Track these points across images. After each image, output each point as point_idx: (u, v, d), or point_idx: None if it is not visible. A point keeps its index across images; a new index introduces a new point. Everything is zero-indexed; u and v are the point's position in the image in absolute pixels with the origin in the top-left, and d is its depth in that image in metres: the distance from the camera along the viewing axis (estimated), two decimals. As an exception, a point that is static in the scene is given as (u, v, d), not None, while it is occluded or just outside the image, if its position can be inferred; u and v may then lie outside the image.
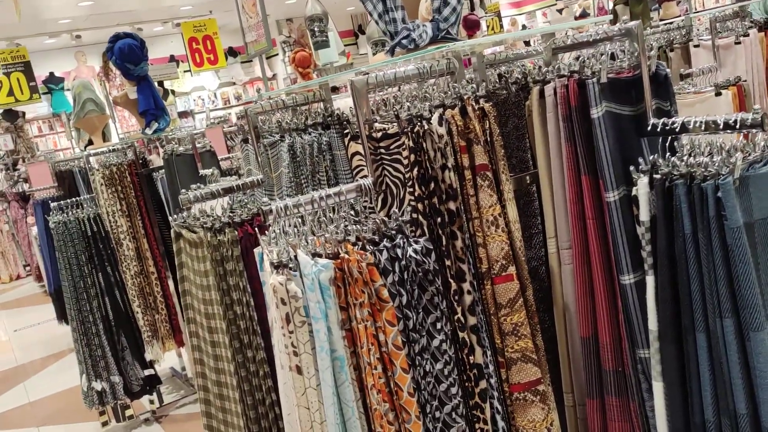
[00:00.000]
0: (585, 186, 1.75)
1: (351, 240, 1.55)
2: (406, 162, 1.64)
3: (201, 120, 10.81)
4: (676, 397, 1.61)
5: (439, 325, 1.61)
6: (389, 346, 1.52)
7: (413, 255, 1.56)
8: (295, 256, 1.48)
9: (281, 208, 1.56)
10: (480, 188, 1.70)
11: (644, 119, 1.73)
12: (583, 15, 10.17)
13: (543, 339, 1.95)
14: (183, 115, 11.35)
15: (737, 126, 1.53)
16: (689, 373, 1.59)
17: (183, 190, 2.16)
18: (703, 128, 1.60)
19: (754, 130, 1.53)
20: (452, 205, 1.66)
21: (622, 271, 1.72)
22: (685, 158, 1.56)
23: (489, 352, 1.73)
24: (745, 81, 3.03)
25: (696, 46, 3.45)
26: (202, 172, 3.67)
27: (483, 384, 1.70)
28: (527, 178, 1.93)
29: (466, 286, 1.68)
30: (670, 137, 1.70)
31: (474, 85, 1.74)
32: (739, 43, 3.24)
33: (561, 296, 1.88)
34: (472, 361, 1.68)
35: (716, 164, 1.50)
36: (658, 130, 1.68)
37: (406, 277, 1.57)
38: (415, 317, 1.59)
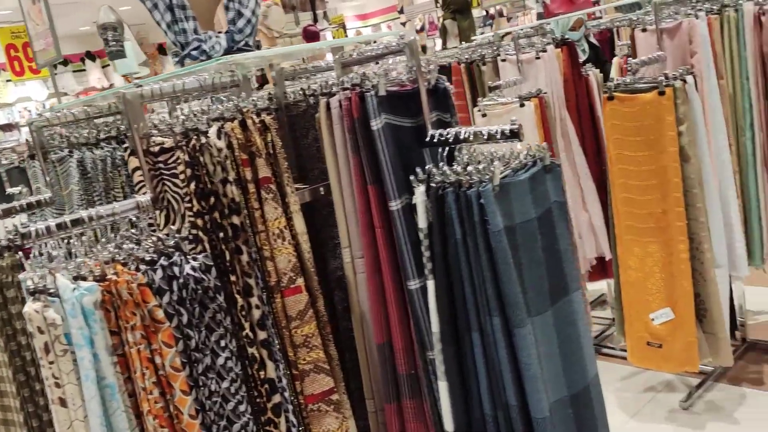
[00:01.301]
0: (371, 195, 1.80)
1: (121, 260, 1.48)
2: (183, 177, 1.59)
3: (27, 133, 9.98)
4: (458, 394, 1.69)
5: (223, 343, 1.58)
6: (167, 369, 1.46)
7: (191, 272, 1.52)
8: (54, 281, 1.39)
9: (42, 230, 1.45)
10: (265, 201, 1.69)
11: (424, 131, 1.81)
12: (423, 29, 10.60)
13: (347, 347, 1.97)
14: (6, 127, 10.41)
15: (498, 136, 1.64)
16: (467, 371, 1.67)
17: (-46, 213, 1.96)
18: (472, 138, 1.70)
19: (513, 140, 1.64)
20: (236, 220, 1.64)
21: (409, 277, 1.78)
22: (456, 167, 1.65)
23: (282, 366, 1.71)
24: (546, 93, 3.27)
25: (503, 60, 3.68)
26: (9, 190, 3.36)
27: (277, 398, 1.68)
28: (321, 189, 1.95)
29: (254, 300, 1.66)
30: (450, 148, 1.78)
31: (255, 98, 1.73)
32: (539, 58, 3.49)
33: (357, 304, 1.92)
34: (263, 377, 1.66)
35: (481, 173, 1.60)
36: (435, 140, 1.76)
37: (185, 295, 1.52)
38: (197, 336, 1.54)
